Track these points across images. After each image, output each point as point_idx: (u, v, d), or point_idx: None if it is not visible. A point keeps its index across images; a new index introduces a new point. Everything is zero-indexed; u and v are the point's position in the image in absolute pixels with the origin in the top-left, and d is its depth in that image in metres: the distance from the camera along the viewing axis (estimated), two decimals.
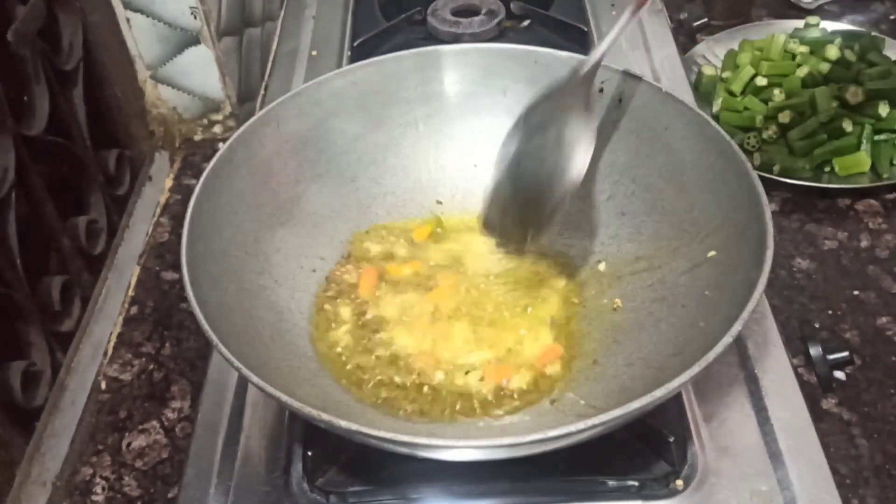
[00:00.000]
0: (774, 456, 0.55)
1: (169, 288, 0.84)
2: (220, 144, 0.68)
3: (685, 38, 1.04)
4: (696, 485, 0.54)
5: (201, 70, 0.93)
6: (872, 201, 0.87)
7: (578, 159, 0.58)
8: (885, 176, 0.86)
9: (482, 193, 0.68)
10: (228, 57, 0.95)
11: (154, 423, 0.71)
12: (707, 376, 0.60)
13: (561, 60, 0.67)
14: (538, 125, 0.60)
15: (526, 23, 0.97)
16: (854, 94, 0.89)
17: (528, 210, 0.60)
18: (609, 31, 0.59)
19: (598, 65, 0.59)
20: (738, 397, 0.59)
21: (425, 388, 0.57)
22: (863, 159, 0.87)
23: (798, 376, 0.60)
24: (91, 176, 0.80)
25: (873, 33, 0.99)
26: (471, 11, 0.93)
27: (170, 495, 0.66)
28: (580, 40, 0.91)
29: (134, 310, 0.82)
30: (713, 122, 0.59)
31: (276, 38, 0.99)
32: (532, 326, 0.60)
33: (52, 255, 0.73)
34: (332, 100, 0.67)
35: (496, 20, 0.91)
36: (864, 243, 0.82)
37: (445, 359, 0.58)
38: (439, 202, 0.70)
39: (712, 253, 0.57)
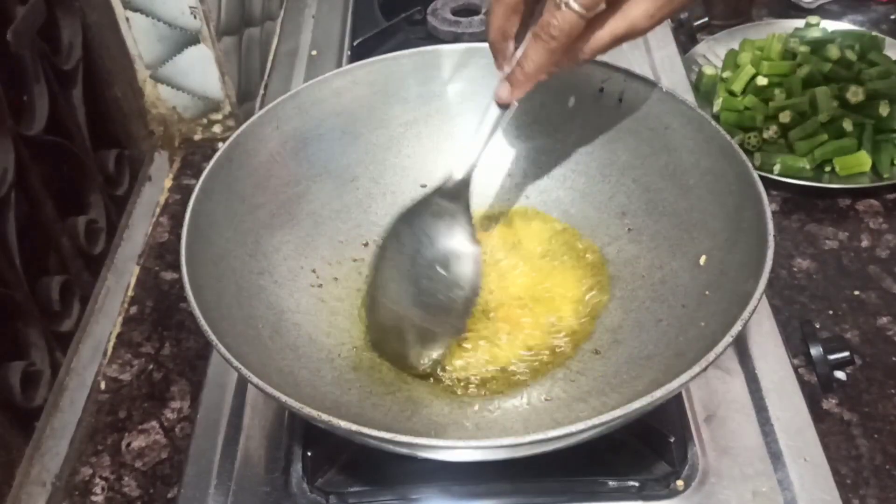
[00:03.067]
0: (775, 456, 0.55)
1: (169, 288, 0.84)
2: (220, 144, 0.68)
3: (685, 38, 1.04)
4: (696, 485, 0.54)
5: (201, 70, 0.93)
6: (873, 201, 0.86)
7: (468, 284, 0.56)
8: (885, 176, 0.86)
9: (480, 195, 0.68)
10: (228, 57, 0.95)
11: (154, 423, 0.71)
12: (707, 376, 0.60)
13: None
14: (416, 238, 0.57)
15: None
16: (854, 94, 0.89)
17: (422, 338, 0.57)
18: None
19: (465, 181, 0.57)
20: (738, 397, 0.59)
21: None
22: (863, 159, 0.87)
23: (798, 376, 0.60)
24: (90, 176, 0.80)
25: (874, 33, 0.99)
26: (471, 11, 0.93)
27: (169, 495, 0.66)
28: None
29: (133, 310, 0.81)
30: (713, 122, 0.59)
31: (275, 38, 0.99)
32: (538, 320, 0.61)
33: (51, 255, 0.73)
34: (332, 100, 0.67)
35: None
36: (864, 243, 0.82)
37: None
38: None
39: (703, 259, 0.57)
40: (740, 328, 0.46)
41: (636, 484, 0.55)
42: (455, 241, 0.57)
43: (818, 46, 0.96)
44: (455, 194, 0.57)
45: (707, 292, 0.56)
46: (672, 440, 0.55)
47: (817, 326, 0.74)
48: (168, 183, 0.96)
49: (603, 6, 0.47)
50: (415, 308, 0.57)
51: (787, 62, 0.95)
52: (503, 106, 0.55)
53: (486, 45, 0.56)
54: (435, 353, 0.57)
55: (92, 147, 0.81)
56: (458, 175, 0.58)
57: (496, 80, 0.68)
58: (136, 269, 0.85)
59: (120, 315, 0.81)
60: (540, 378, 0.57)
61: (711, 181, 0.59)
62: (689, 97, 0.84)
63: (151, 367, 0.76)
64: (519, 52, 0.52)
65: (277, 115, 0.64)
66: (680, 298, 0.57)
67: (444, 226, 0.57)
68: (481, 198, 0.70)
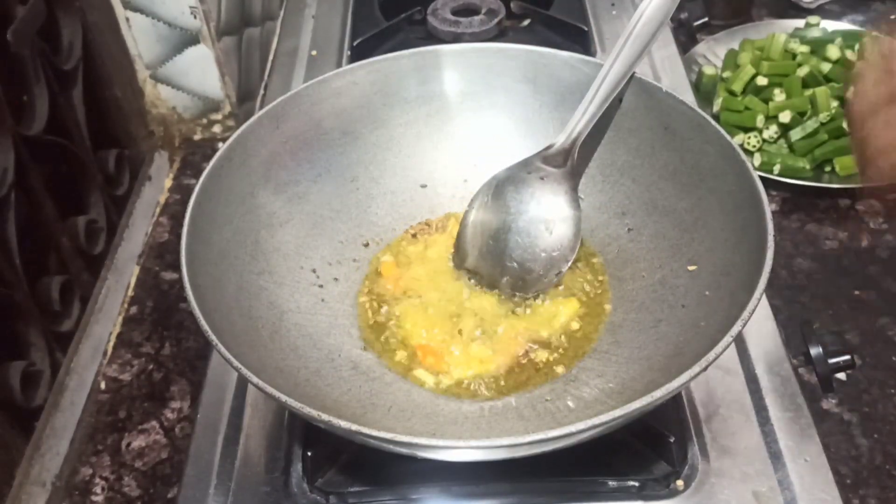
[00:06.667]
0: (774, 456, 0.55)
1: (168, 288, 0.84)
2: (220, 144, 0.68)
3: (685, 38, 1.04)
4: (696, 485, 0.54)
5: (201, 70, 0.93)
6: (873, 201, 0.86)
7: (567, 244, 0.61)
8: None
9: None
10: (228, 57, 0.95)
11: (154, 423, 0.71)
12: (707, 376, 0.60)
13: (561, 60, 0.66)
14: (520, 199, 0.62)
15: (526, 22, 0.97)
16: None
17: (514, 281, 0.62)
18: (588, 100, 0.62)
19: (576, 145, 0.61)
20: (738, 397, 0.59)
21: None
22: None
23: (798, 376, 0.60)
24: (90, 176, 0.80)
25: (874, 33, 0.99)
26: (471, 11, 0.93)
27: (169, 495, 0.66)
28: (580, 40, 0.91)
29: (133, 310, 0.81)
30: (713, 122, 0.59)
31: (275, 38, 0.99)
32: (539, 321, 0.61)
33: (51, 255, 0.73)
34: (332, 100, 0.67)
35: (496, 20, 0.91)
36: (864, 243, 0.82)
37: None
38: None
39: (693, 267, 0.57)
40: (740, 328, 0.46)
41: (636, 484, 0.55)
42: (558, 205, 0.61)
43: (818, 46, 0.96)
44: (559, 161, 0.61)
45: (707, 292, 0.55)
46: (672, 440, 0.55)
47: (817, 326, 0.74)
48: (168, 183, 0.96)
49: None
50: (509, 261, 0.61)
51: (787, 62, 0.95)
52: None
53: (486, 45, 0.56)
54: (518, 293, 0.61)
55: (92, 147, 0.81)
56: (562, 142, 0.62)
57: (496, 80, 0.69)
58: (136, 269, 0.86)
59: (120, 315, 0.81)
60: (540, 378, 0.57)
61: (711, 181, 0.59)
62: (689, 97, 0.84)
63: (151, 367, 0.76)
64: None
65: (277, 115, 0.64)
66: (680, 298, 0.57)
67: (550, 190, 0.61)
68: None
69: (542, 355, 0.58)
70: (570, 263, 0.61)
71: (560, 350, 0.59)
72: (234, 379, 0.62)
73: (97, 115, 0.83)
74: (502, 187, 0.63)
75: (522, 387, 0.57)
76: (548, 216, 0.61)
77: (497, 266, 0.62)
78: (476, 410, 0.56)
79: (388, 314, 0.62)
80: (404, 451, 0.46)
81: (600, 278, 0.63)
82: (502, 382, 0.57)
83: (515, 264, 0.61)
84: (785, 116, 0.89)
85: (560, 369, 0.58)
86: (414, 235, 0.67)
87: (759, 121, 0.91)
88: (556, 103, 0.67)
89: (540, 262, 0.61)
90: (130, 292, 0.83)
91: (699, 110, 0.60)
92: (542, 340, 0.59)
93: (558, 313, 0.61)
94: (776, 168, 0.87)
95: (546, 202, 0.61)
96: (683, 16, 1.02)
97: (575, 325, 0.60)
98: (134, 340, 0.79)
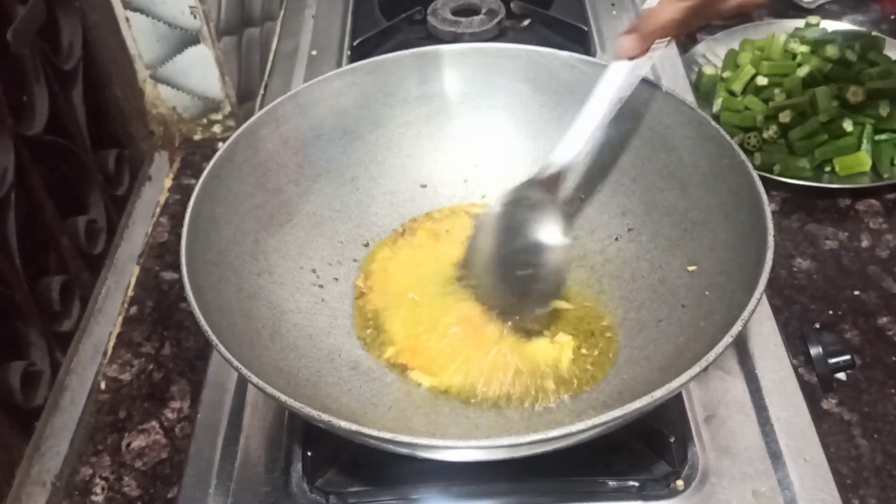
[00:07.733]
0: (775, 456, 0.55)
1: (168, 288, 0.84)
2: (220, 144, 0.68)
3: (685, 38, 1.04)
4: (696, 485, 0.54)
5: (201, 70, 0.93)
6: (873, 201, 0.86)
7: (557, 270, 0.58)
8: (885, 176, 0.86)
9: (478, 194, 0.68)
10: (228, 56, 0.95)
11: (154, 423, 0.71)
12: (707, 376, 0.60)
13: (561, 60, 0.67)
14: (514, 226, 0.59)
15: (526, 22, 0.97)
16: (854, 94, 0.88)
17: (514, 306, 0.60)
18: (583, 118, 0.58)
19: (562, 174, 0.58)
20: (738, 397, 0.59)
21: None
22: (863, 159, 0.87)
23: (798, 376, 0.60)
24: (90, 176, 0.80)
25: (874, 33, 0.99)
26: (471, 11, 0.93)
27: (169, 495, 0.66)
28: (580, 40, 0.91)
29: (133, 310, 0.81)
30: (713, 122, 0.59)
31: (275, 38, 0.99)
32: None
33: (51, 255, 0.73)
34: (332, 100, 0.67)
35: (496, 20, 0.91)
36: (864, 243, 0.82)
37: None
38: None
39: (693, 268, 0.57)
40: (740, 328, 0.46)
41: (636, 484, 0.55)
42: (545, 235, 0.58)
43: (818, 46, 0.96)
44: (549, 186, 0.58)
45: (707, 292, 0.56)
46: (672, 440, 0.55)
47: (817, 326, 0.74)
48: (168, 183, 0.96)
49: None
50: (505, 290, 0.59)
51: (787, 62, 0.95)
52: (624, 59, 0.57)
53: (486, 45, 0.56)
54: (517, 317, 0.59)
55: (92, 147, 0.81)
56: (554, 167, 0.58)
57: (496, 80, 0.69)
58: (136, 269, 0.86)
59: (120, 315, 0.81)
60: (540, 378, 0.57)
61: (711, 181, 0.59)
62: (689, 97, 0.84)
63: (151, 367, 0.76)
64: (649, 3, 0.55)
65: (277, 115, 0.64)
66: (680, 298, 0.57)
67: (533, 219, 0.58)
68: (479, 197, 0.70)
69: (544, 355, 0.58)
70: (557, 296, 0.59)
71: (561, 350, 0.59)
72: (234, 379, 0.62)
73: (97, 115, 0.83)
74: (496, 215, 0.60)
75: (523, 386, 0.57)
76: (535, 246, 0.58)
77: (491, 293, 0.60)
78: (476, 410, 0.56)
79: (378, 315, 0.61)
80: (404, 451, 0.46)
81: (608, 335, 0.60)
82: (503, 382, 0.57)
83: (511, 293, 0.59)
84: (785, 116, 0.89)
85: (561, 369, 0.58)
86: (402, 233, 0.67)
87: (759, 121, 0.91)
88: (555, 103, 0.67)
89: (526, 294, 0.59)
90: (130, 292, 0.83)
91: (699, 110, 0.60)
92: (545, 341, 0.59)
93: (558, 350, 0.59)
94: (776, 168, 0.87)
95: (532, 233, 0.58)
96: None
97: (577, 327, 0.60)
98: (134, 340, 0.79)
